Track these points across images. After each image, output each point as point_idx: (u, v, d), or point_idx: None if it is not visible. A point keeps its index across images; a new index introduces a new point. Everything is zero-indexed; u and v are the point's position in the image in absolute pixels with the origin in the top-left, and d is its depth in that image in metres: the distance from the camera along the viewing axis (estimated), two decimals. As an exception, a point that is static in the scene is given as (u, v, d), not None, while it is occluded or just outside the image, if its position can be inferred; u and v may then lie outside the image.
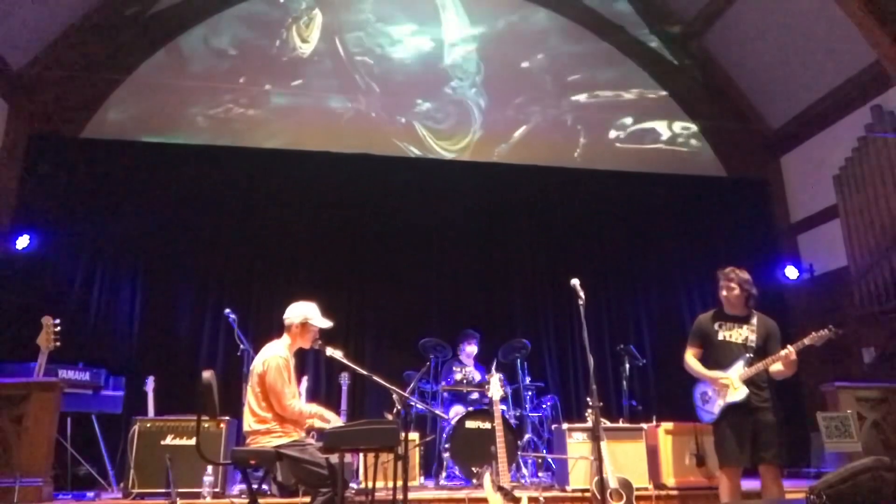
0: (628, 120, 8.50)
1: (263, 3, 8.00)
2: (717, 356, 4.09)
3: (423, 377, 5.89)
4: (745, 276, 4.13)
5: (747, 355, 4.00)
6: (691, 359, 4.19)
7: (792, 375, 3.99)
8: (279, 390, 3.76)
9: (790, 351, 3.86)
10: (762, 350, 4.03)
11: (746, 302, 4.12)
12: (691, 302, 7.87)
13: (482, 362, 6.38)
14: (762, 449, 3.85)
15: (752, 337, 4.05)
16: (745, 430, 3.88)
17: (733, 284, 4.10)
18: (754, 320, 4.12)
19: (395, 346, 7.10)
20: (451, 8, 8.36)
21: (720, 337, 4.11)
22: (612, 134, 8.44)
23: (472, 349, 6.33)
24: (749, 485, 4.39)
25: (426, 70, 8.17)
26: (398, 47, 8.16)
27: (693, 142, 8.70)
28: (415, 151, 7.91)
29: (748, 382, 3.93)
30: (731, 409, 3.93)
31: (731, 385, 3.94)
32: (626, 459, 5.12)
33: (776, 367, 3.94)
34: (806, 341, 3.91)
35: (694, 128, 8.71)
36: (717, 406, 3.99)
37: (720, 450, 3.99)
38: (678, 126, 8.66)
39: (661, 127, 8.59)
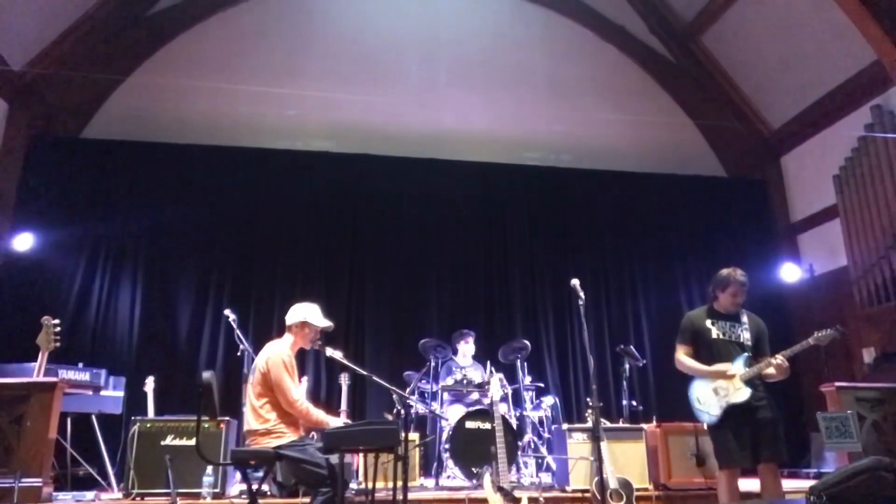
0: (628, 119, 8.49)
1: (263, 3, 8.00)
2: (712, 355, 4.03)
3: (423, 377, 5.90)
4: None
5: (745, 355, 3.98)
6: (686, 357, 4.10)
7: (785, 378, 3.96)
8: (286, 387, 3.77)
9: (781, 360, 3.84)
10: (756, 349, 4.02)
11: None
12: (691, 302, 7.86)
13: (482, 361, 6.39)
14: (762, 447, 3.82)
15: (747, 335, 4.04)
16: (744, 430, 3.85)
17: (745, 291, 4.08)
18: (745, 318, 4.11)
19: (395, 347, 7.11)
20: (452, 8, 8.37)
21: (713, 335, 4.06)
22: (612, 133, 8.43)
23: (468, 347, 6.34)
24: (748, 485, 4.39)
25: (428, 69, 8.17)
26: (400, 46, 8.16)
27: (693, 142, 8.70)
28: (418, 151, 7.89)
29: (747, 382, 3.91)
30: (732, 410, 3.89)
31: (734, 381, 3.90)
32: (626, 459, 5.12)
33: (769, 370, 3.90)
34: (811, 341, 3.87)
35: (694, 128, 8.71)
36: (718, 407, 3.93)
37: (721, 451, 3.93)
38: (678, 126, 8.65)
39: (661, 127, 8.58)
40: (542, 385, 6.53)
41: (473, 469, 5.15)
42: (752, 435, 3.85)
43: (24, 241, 6.51)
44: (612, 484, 4.52)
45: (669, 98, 8.75)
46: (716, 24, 8.12)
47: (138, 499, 4.77)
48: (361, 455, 4.78)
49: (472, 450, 5.29)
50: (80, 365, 5.47)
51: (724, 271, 4.14)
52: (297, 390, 3.90)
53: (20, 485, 4.20)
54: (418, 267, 7.54)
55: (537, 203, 8.01)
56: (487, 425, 5.29)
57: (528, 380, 6.19)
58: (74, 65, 7.18)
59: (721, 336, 4.06)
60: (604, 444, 4.21)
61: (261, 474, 4.27)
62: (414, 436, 5.25)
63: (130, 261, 6.97)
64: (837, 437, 4.51)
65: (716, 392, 3.96)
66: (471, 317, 7.21)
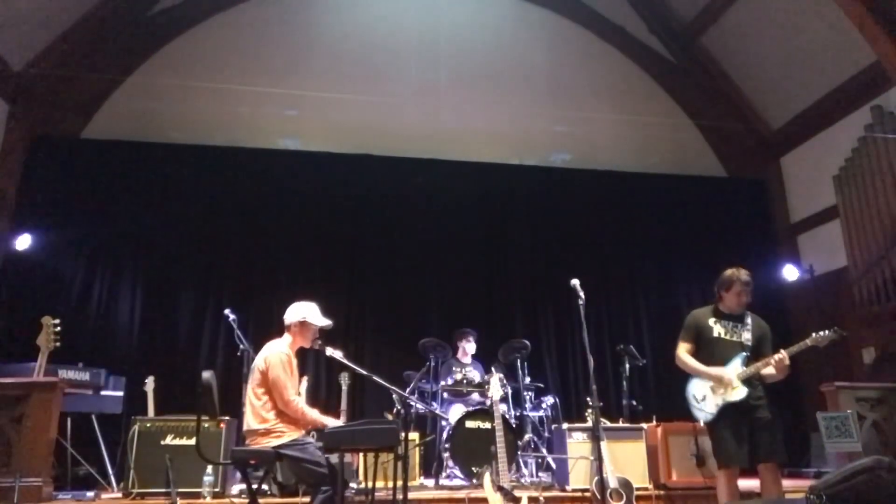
0: (628, 119, 8.49)
1: (263, 3, 8.00)
2: (712, 353, 4.02)
3: (423, 377, 5.89)
4: None
5: (744, 354, 3.96)
6: (686, 355, 4.09)
7: (784, 378, 3.95)
8: (282, 385, 3.77)
9: (784, 356, 3.83)
10: (757, 350, 4.01)
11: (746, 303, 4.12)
12: (691, 302, 7.83)
13: (482, 360, 6.39)
14: (760, 447, 3.81)
15: (748, 336, 4.02)
16: (742, 429, 3.84)
17: (750, 291, 4.07)
18: (749, 320, 4.10)
19: (395, 346, 7.10)
20: (452, 8, 8.37)
21: (715, 334, 4.05)
22: (612, 133, 8.43)
23: (469, 346, 6.34)
24: (748, 484, 4.39)
25: (428, 69, 8.16)
26: (400, 46, 8.16)
27: (693, 142, 8.70)
28: (418, 151, 7.89)
29: (744, 381, 3.90)
30: (728, 409, 3.88)
31: (731, 383, 3.90)
32: (626, 459, 5.11)
33: (768, 370, 3.89)
34: (808, 342, 3.84)
35: (694, 128, 8.71)
36: (714, 405, 3.92)
37: (719, 450, 3.92)
38: (678, 126, 8.65)
39: (661, 127, 8.58)
40: (542, 385, 6.52)
41: (473, 468, 5.15)
42: (750, 434, 3.84)
43: (24, 241, 6.51)
44: (612, 483, 4.52)
45: (669, 98, 8.75)
46: (716, 24, 8.13)
47: (138, 498, 4.76)
48: (361, 455, 4.79)
49: (472, 449, 5.30)
50: (80, 365, 5.47)
51: (728, 271, 4.11)
52: (294, 390, 3.90)
53: (20, 484, 4.20)
54: (418, 267, 7.54)
55: (537, 203, 8.01)
56: (487, 425, 5.29)
57: (528, 380, 6.19)
58: (74, 65, 7.19)
59: (723, 335, 4.05)
60: (604, 444, 4.21)
61: (261, 474, 4.27)
62: (414, 435, 5.25)
63: (130, 261, 6.98)
64: (837, 436, 4.52)
65: (713, 390, 3.95)
66: (471, 317, 7.19)
